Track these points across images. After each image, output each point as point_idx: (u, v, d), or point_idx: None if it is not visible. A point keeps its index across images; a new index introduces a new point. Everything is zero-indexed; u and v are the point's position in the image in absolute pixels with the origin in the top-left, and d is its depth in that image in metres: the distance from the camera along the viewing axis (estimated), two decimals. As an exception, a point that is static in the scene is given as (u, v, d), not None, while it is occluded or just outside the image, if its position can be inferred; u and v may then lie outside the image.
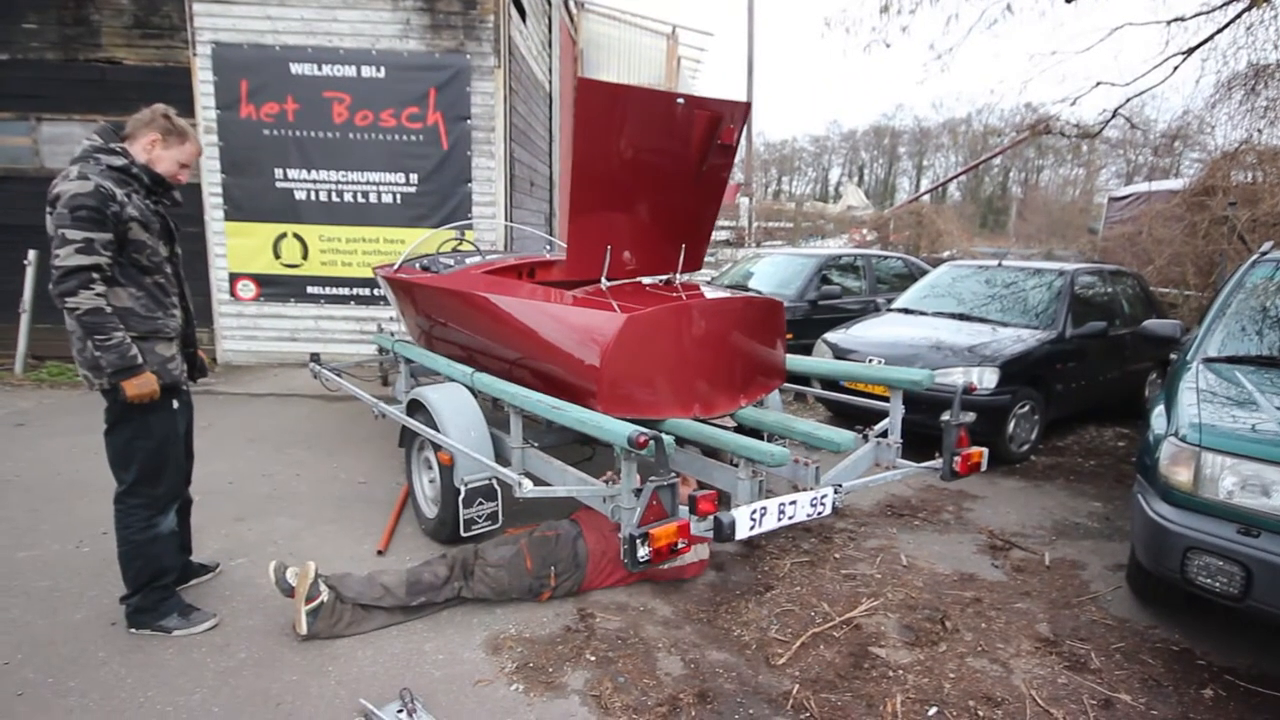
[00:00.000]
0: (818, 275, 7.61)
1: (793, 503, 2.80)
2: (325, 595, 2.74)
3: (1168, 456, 2.68)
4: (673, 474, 2.44)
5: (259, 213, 7.75)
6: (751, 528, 2.67)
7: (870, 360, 5.22)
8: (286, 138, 7.62)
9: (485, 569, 2.95)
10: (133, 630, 2.77)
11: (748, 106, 3.73)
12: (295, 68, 7.44)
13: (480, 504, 3.31)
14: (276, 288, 7.89)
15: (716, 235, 18.55)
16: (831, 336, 5.83)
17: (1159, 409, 3.11)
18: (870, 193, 53.06)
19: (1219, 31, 7.60)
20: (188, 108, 7.44)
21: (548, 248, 5.94)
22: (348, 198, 7.74)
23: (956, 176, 35.85)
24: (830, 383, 4.91)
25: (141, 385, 2.58)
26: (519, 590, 2.98)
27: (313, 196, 7.73)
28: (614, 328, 3.08)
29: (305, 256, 7.84)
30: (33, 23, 7.37)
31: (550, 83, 10.84)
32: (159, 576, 2.79)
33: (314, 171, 7.68)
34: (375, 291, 7.82)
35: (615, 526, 3.14)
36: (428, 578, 2.89)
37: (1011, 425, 5.01)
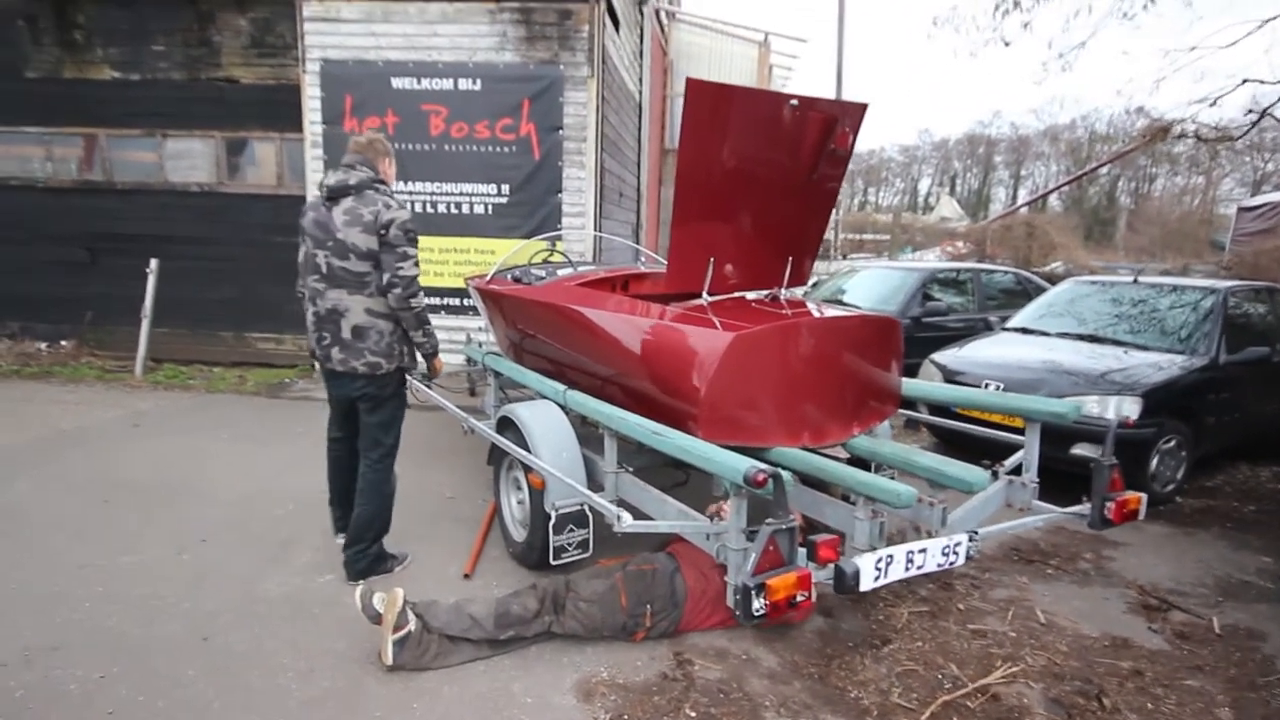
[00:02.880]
0: (920, 290, 7.14)
1: (922, 550, 2.48)
2: (413, 624, 2.61)
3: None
4: (792, 516, 2.18)
5: (358, 224, 7.93)
6: (876, 578, 2.37)
7: (986, 385, 4.77)
8: (350, 142, 7.76)
9: (577, 603, 2.75)
10: (356, 582, 3.14)
11: (864, 109, 3.43)
12: (396, 82, 7.58)
13: (571, 531, 3.13)
14: (372, 297, 8.04)
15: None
16: (940, 358, 5.39)
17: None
18: (964, 203, 50.80)
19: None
20: (296, 122, 7.72)
21: (641, 260, 5.76)
22: (441, 208, 7.82)
23: (1063, 185, 33.81)
24: (939, 408, 4.50)
25: (441, 361, 3.67)
26: (612, 628, 2.77)
27: (410, 208, 7.84)
28: (719, 347, 2.85)
29: (400, 266, 7.96)
30: (160, 44, 7.83)
31: (640, 93, 10.75)
32: (387, 528, 3.41)
33: (410, 183, 7.79)
34: (465, 301, 7.87)
35: (716, 564, 2.90)
36: (516, 610, 2.72)
37: (1154, 462, 4.46)
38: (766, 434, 3.02)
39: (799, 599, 2.13)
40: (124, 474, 4.60)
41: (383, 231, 3.07)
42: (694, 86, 2.97)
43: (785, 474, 2.20)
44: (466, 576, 3.34)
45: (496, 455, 3.68)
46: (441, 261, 7.91)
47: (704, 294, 3.38)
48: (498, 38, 7.46)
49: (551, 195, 7.69)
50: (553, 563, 3.09)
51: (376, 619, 2.64)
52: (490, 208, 7.76)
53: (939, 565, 2.52)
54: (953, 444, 5.25)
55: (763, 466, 2.13)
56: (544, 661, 2.69)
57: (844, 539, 2.75)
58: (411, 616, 2.62)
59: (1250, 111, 7.93)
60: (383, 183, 3.23)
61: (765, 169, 3.33)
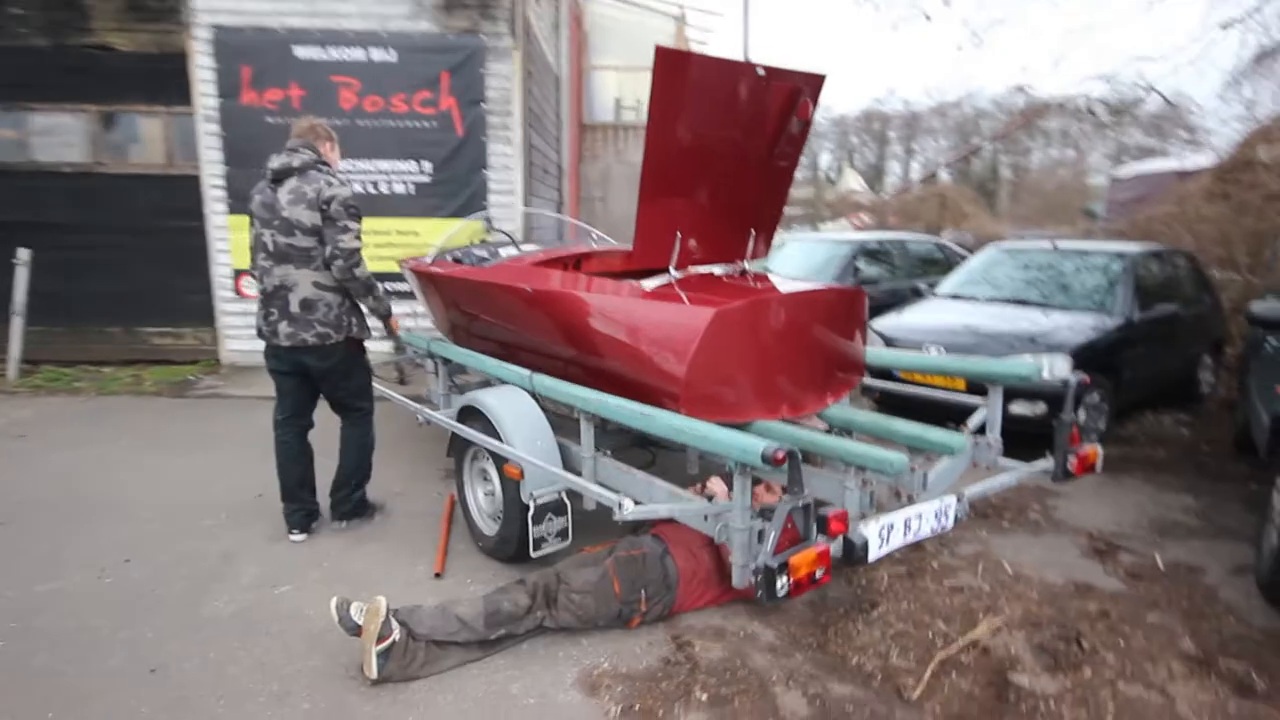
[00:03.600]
0: (852, 261, 7.32)
1: (919, 516, 2.51)
2: (397, 633, 2.42)
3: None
4: (807, 493, 2.14)
5: (263, 206, 7.36)
6: (880, 547, 2.37)
7: (928, 349, 4.93)
8: (291, 125, 7.20)
9: (570, 595, 2.64)
10: (341, 523, 3.60)
11: (823, 80, 3.40)
12: (300, 51, 7.03)
13: (550, 520, 3.01)
14: (283, 284, 7.50)
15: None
16: (880, 325, 5.53)
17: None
18: (864, 176, 52.64)
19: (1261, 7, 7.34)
20: (184, 95, 7.05)
21: (594, 237, 5.60)
22: (357, 188, 7.33)
23: (960, 158, 35.50)
24: (882, 373, 4.60)
25: (396, 320, 3.86)
26: (607, 617, 2.68)
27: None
28: (701, 323, 2.78)
29: (313, 251, 7.45)
30: (18, 6, 6.92)
31: (559, 66, 10.46)
32: (369, 476, 3.67)
33: (321, 161, 7.28)
34: (390, 286, 7.46)
35: (705, 542, 2.86)
36: (508, 608, 2.58)
37: (1082, 416, 4.74)
38: (745, 409, 2.99)
39: (819, 575, 2.10)
40: (20, 493, 4.09)
41: (324, 207, 3.18)
42: (663, 55, 2.84)
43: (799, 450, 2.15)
44: (438, 575, 3.16)
45: (458, 447, 3.48)
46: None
47: (671, 269, 3.30)
48: (412, 5, 7.04)
49: (476, 173, 7.37)
50: (533, 554, 2.97)
51: (355, 630, 2.44)
52: (412, 186, 7.36)
53: (932, 530, 2.57)
54: (891, 409, 5.41)
55: (780, 444, 2.08)
56: (539, 658, 2.58)
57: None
58: (395, 624, 2.44)
59: (1139, 85, 8.53)
60: (325, 164, 3.34)
61: (731, 139, 3.26)
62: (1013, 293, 5.63)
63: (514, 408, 3.16)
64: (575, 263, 4.30)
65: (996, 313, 5.33)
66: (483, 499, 3.41)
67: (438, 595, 2.94)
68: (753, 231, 3.61)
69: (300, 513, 3.51)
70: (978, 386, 3.51)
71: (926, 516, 2.53)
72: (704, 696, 2.36)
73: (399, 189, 7.36)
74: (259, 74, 7.13)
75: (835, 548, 2.26)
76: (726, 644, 2.66)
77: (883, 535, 2.37)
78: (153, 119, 7.47)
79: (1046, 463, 3.08)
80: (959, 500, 2.67)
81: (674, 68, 2.90)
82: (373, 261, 7.20)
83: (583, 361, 3.28)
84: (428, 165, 7.33)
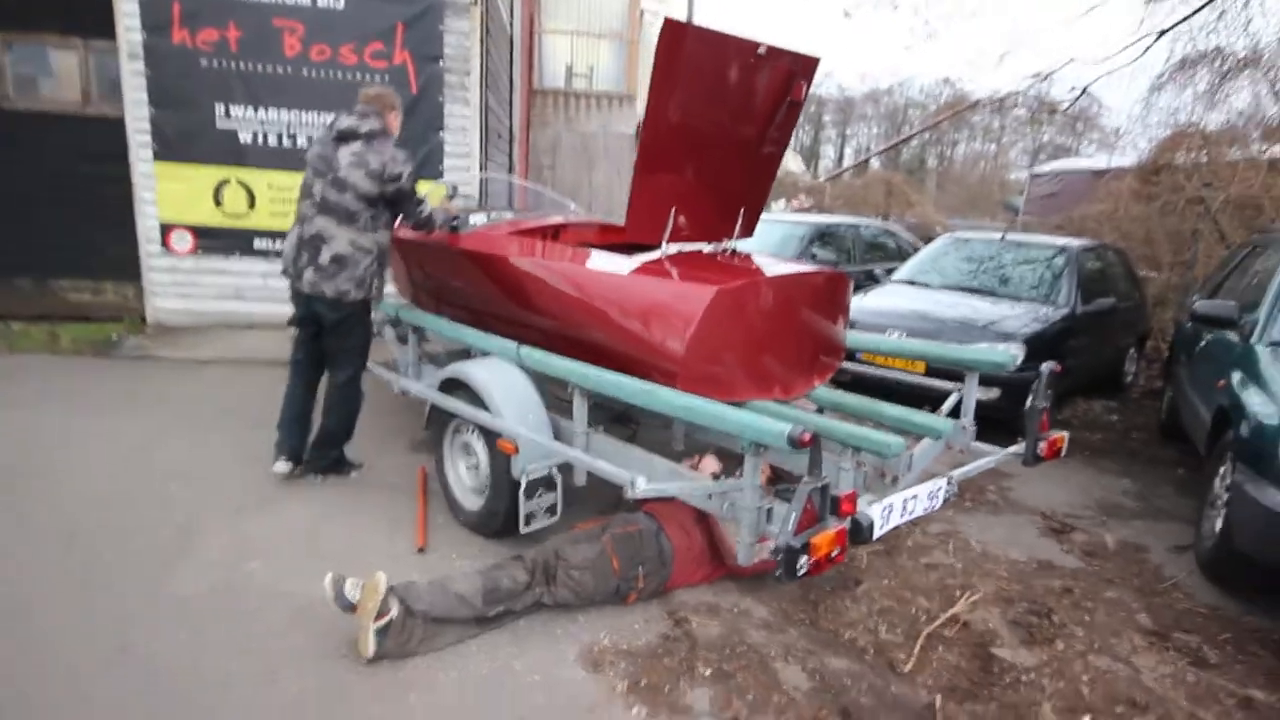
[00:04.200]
0: (808, 245, 7.43)
1: (914, 497, 2.59)
2: (395, 610, 2.34)
3: (1292, 446, 2.61)
4: (825, 475, 2.17)
5: (197, 154, 6.83)
6: (881, 526, 2.44)
7: (889, 334, 5.07)
8: (228, 70, 6.71)
9: (569, 572, 2.61)
10: (318, 478, 3.64)
11: (816, 63, 3.40)
12: (240, -12, 6.53)
13: (540, 495, 2.95)
14: (218, 240, 7.01)
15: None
16: (841, 308, 5.64)
17: (1243, 392, 3.07)
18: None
19: (1195, 13, 7.79)
20: (105, 28, 6.43)
21: (573, 208, 5.48)
22: (301, 141, 6.91)
23: (890, 147, 36.43)
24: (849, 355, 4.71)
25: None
26: (604, 594, 2.67)
27: (261, 139, 6.87)
28: (702, 301, 2.76)
29: (252, 206, 7.00)
30: (-93, -88, 6.14)
31: (512, 26, 10.10)
32: (351, 435, 3.70)
33: (263, 110, 6.82)
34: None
35: (697, 519, 2.88)
36: (506, 584, 2.53)
37: (1030, 401, 4.99)
38: (740, 388, 3.00)
39: (834, 555, 2.14)
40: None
41: (390, 184, 3.33)
42: (670, 27, 2.79)
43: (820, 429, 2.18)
44: (420, 550, 3.06)
45: (438, 419, 3.37)
46: (303, 202, 7.03)
47: (664, 245, 3.26)
48: (366, -52, 6.62)
49: (432, 133, 7.05)
50: (523, 530, 2.91)
51: (350, 608, 2.34)
52: (360, 143, 6.98)
53: (925, 509, 2.65)
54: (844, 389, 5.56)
55: (805, 425, 2.09)
56: (538, 634, 2.54)
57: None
58: (394, 602, 2.35)
59: (1073, 88, 8.95)
60: (389, 134, 3.46)
61: (727, 117, 3.24)
62: (965, 281, 5.85)
63: (504, 381, 3.07)
64: (554, 234, 4.20)
65: (951, 300, 5.53)
66: (464, 473, 3.31)
67: (422, 570, 2.85)
68: (741, 211, 3.61)
69: (288, 444, 3.62)
70: (941, 371, 3.65)
71: (921, 497, 2.61)
72: (707, 672, 2.38)
73: (347, 145, 6.97)
74: (192, 10, 6.57)
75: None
76: (722, 620, 2.69)
77: (884, 516, 2.44)
78: (67, 52, 6.83)
79: (1018, 447, 3.23)
80: (949, 482, 2.76)
81: (680, 41, 2.84)
82: (319, 220, 6.91)
83: (571, 334, 3.21)
84: (379, 122, 6.96)
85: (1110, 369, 6.26)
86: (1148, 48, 8.30)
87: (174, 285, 7.04)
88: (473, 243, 3.63)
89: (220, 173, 6.92)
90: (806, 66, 3.32)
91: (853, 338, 3.69)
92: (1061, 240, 6.17)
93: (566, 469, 2.99)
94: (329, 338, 3.54)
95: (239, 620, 2.52)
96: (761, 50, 3.09)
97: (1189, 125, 9.13)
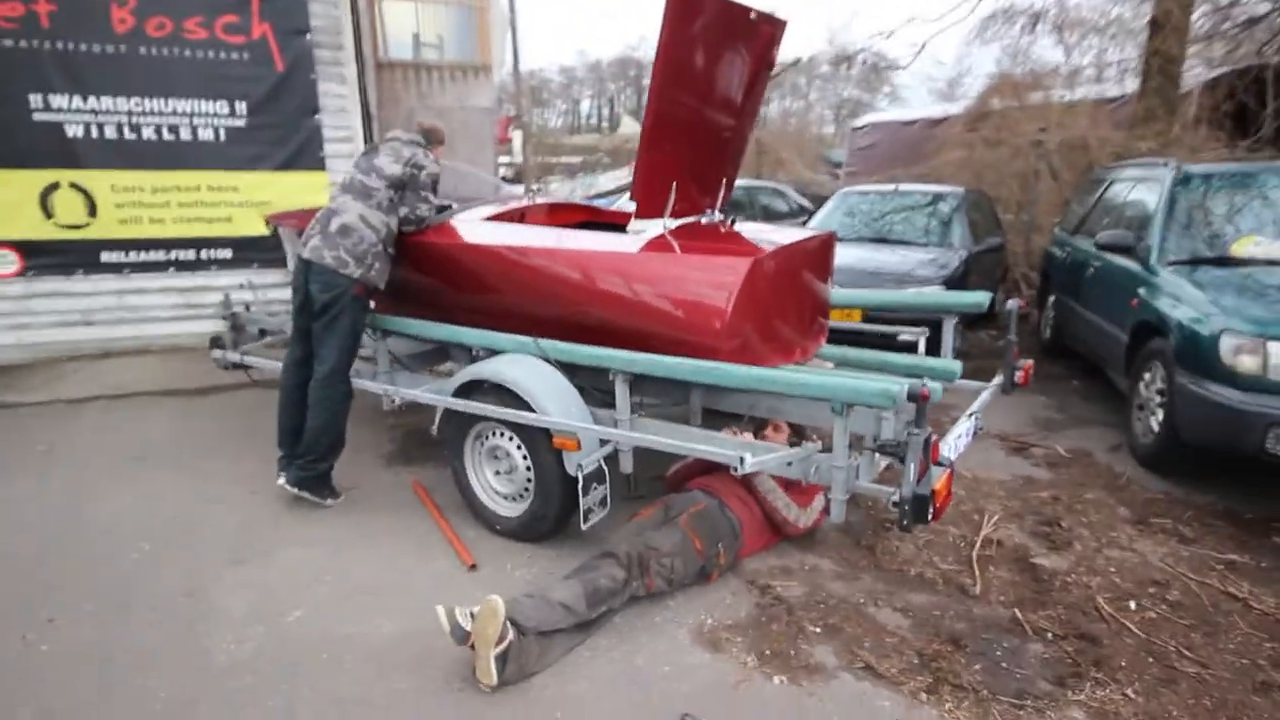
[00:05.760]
0: (709, 208, 7.61)
1: (959, 436, 2.82)
2: (511, 633, 2.21)
3: (1230, 348, 3.13)
4: (929, 427, 2.30)
5: (10, 156, 5.74)
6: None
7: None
8: (40, 50, 5.66)
9: (660, 560, 2.58)
10: (295, 490, 3.34)
11: (785, 24, 3.48)
12: (50, -47, 5.49)
13: (594, 489, 2.88)
14: (52, 257, 5.97)
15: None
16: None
17: (1168, 308, 3.61)
18: (620, 124, 53.93)
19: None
20: None
21: (536, 187, 5.21)
22: (148, 133, 6.02)
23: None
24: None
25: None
26: (691, 576, 2.68)
27: (94, 132, 5.89)
28: (740, 271, 2.81)
29: (93, 213, 6.01)
30: None
31: (357, -6, 9.28)
32: (339, 448, 3.45)
33: (92, 98, 5.83)
34: (204, 254, 6.31)
35: (747, 489, 2.95)
36: (606, 584, 2.46)
37: (1005, 336, 5.50)
38: (768, 355, 3.08)
39: (947, 495, 2.30)
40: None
41: (413, 170, 3.36)
42: None
43: (932, 385, 2.31)
44: (473, 568, 2.88)
45: (456, 427, 3.16)
46: (159, 204, 6.18)
47: (665, 219, 3.24)
48: (206, -95, 5.79)
49: (308, 116, 6.40)
50: (584, 527, 2.83)
51: (464, 638, 2.19)
52: (221, 132, 6.20)
53: (965, 445, 2.90)
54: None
55: (922, 381, 2.22)
56: (640, 629, 2.50)
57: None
58: (509, 625, 2.22)
59: (914, 45, 9.74)
60: (428, 155, 3.49)
61: (721, 85, 3.26)
62: (874, 233, 6.29)
63: (540, 376, 2.94)
64: (519, 216, 4.01)
65: (866, 253, 5.92)
66: (492, 479, 3.14)
67: (483, 588, 2.69)
68: (725, 180, 3.65)
69: (287, 460, 3.42)
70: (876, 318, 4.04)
71: (963, 436, 2.85)
72: (817, 630, 2.49)
73: (205, 135, 6.16)
74: (-17, -21, 5.46)
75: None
76: (799, 580, 2.80)
77: (951, 454, 2.64)
78: None
79: (998, 378, 3.59)
80: (975, 419, 3.03)
81: (691, 9, 2.81)
82: (181, 224, 6.10)
83: (581, 320, 3.12)
84: (241, 106, 6.20)
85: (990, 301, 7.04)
86: (974, 9, 9.24)
87: (7, 315, 5.94)
88: (455, 235, 3.40)
89: (45, 176, 5.89)
90: (780, 29, 3.40)
91: (837, 295, 3.88)
92: (942, 188, 6.79)
93: (612, 459, 2.94)
94: (316, 323, 3.30)
95: (319, 676, 2.27)
96: (753, 15, 3.12)
97: (1001, 76, 10.35)
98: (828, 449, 2.58)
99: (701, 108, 3.20)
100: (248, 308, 5.15)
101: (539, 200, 4.34)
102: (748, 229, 3.65)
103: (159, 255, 6.23)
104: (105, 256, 6.11)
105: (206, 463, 3.96)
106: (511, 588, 2.72)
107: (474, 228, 3.58)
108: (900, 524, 2.26)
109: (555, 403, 2.86)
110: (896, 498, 2.25)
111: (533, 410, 2.83)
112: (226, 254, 6.38)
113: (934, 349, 3.70)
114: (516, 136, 22.50)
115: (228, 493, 3.57)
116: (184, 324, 6.34)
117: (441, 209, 3.67)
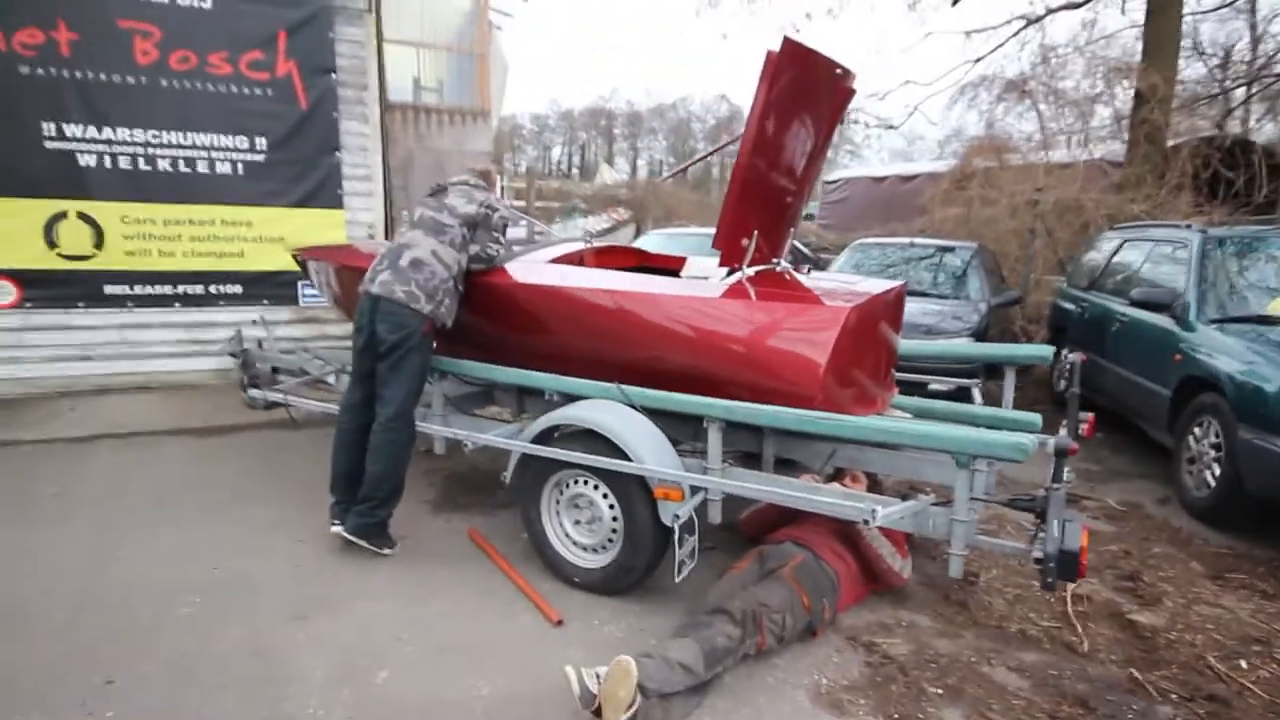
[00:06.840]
0: (722, 256, 7.67)
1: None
2: (638, 699, 2.08)
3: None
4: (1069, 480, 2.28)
5: (17, 184, 5.52)
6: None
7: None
8: (59, 79, 5.52)
9: (771, 616, 2.47)
10: (354, 538, 3.17)
11: (855, 78, 3.56)
12: (76, -19, 5.40)
13: (686, 540, 2.77)
14: (51, 289, 5.72)
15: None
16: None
17: (1223, 365, 3.69)
18: (590, 172, 54.73)
19: (1002, 45, 9.24)
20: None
21: (588, 229, 5.16)
22: (163, 165, 5.87)
23: (697, 160, 38.26)
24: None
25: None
26: (797, 632, 2.57)
27: (107, 163, 5.72)
28: (837, 320, 2.79)
29: (100, 245, 5.79)
30: None
31: (367, 36, 9.32)
32: (399, 495, 3.28)
33: (108, 129, 5.68)
34: (214, 289, 6.10)
35: (842, 541, 2.88)
36: (722, 643, 2.34)
37: (1069, 389, 5.56)
38: (850, 405, 3.05)
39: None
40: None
41: (486, 210, 3.39)
42: (790, 48, 2.77)
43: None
44: (559, 624, 2.73)
45: (533, 473, 3.03)
46: (170, 237, 5.99)
47: (743, 268, 3.23)
48: (239, -58, 5.78)
49: (327, 154, 6.32)
50: (677, 579, 2.71)
51: (590, 700, 2.05)
52: (240, 166, 6.08)
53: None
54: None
55: (1063, 438, 2.19)
56: (754, 690, 2.38)
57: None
58: (636, 689, 2.08)
59: (907, 106, 10.14)
60: (489, 196, 3.52)
61: (802, 137, 3.28)
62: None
63: (631, 423, 2.84)
64: (579, 260, 3.96)
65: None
66: (571, 529, 3.01)
67: (575, 645, 2.57)
68: (790, 229, 3.67)
69: (340, 506, 3.29)
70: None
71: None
72: (939, 691, 2.39)
73: (222, 169, 6.04)
74: (5, 6, 5.33)
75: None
76: (901, 637, 2.71)
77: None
78: None
79: (1062, 431, 3.60)
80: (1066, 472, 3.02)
81: (792, 63, 2.84)
82: (191, 258, 5.92)
83: (658, 367, 3.06)
84: (261, 141, 6.10)
85: (999, 353, 7.17)
86: (966, 74, 9.68)
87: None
88: (521, 276, 3.35)
89: (52, 205, 5.68)
90: (853, 83, 3.46)
91: (903, 346, 3.89)
92: (954, 242, 6.96)
93: (701, 510, 2.84)
94: (381, 364, 3.17)
95: (424, 748, 2.09)
96: (839, 71, 3.18)
97: (980, 138, 10.79)
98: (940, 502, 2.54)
99: (782, 161, 3.22)
100: (260, 344, 4.97)
101: (595, 244, 4.30)
102: (827, 277, 3.65)
103: (165, 289, 6.01)
104: (109, 289, 5.87)
105: (237, 508, 3.74)
106: (604, 644, 2.60)
107: (542, 269, 3.52)
108: (1044, 582, 2.21)
109: (651, 451, 2.77)
110: (1039, 554, 2.20)
111: (628, 458, 2.73)
112: (236, 289, 6.19)
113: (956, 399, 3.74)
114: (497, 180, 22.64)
115: (271, 541, 3.35)
116: (187, 360, 6.11)
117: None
